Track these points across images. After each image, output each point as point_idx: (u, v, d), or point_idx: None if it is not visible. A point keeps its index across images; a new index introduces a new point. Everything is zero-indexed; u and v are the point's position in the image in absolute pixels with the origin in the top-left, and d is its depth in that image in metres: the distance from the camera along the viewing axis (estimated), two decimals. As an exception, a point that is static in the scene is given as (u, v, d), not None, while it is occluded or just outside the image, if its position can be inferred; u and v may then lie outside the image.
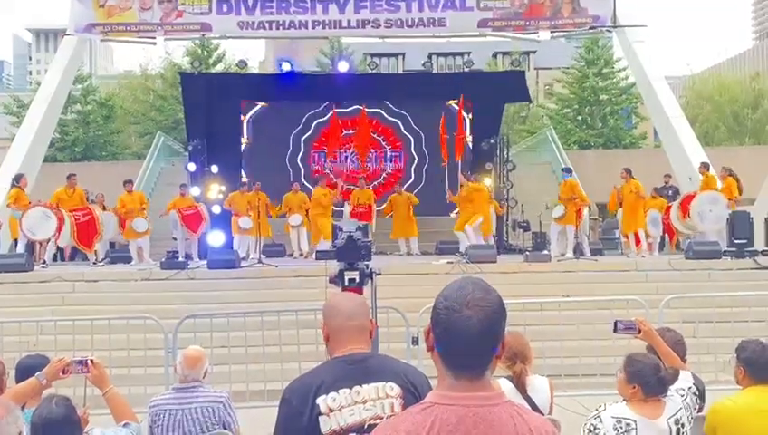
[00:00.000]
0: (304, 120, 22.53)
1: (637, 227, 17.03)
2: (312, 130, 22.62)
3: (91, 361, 4.05)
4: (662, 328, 4.93)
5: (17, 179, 16.13)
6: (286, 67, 19.65)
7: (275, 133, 22.26)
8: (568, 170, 18.27)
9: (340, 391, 2.87)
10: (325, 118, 22.20)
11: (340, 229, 5.10)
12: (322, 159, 22.56)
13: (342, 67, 20.92)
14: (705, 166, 17.01)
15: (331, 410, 2.84)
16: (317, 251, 13.52)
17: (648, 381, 3.97)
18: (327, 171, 21.58)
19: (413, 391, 2.87)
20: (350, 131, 21.66)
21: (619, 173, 17.42)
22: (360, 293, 4.94)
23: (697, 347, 8.25)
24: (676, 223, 17.00)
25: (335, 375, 2.92)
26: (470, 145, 21.60)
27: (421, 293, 10.68)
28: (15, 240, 16.64)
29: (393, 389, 2.90)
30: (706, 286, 12.75)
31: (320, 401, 2.85)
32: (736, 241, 14.99)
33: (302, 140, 22.64)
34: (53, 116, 20.91)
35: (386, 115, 22.71)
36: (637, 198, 16.94)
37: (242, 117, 22.05)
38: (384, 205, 20.04)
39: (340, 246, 4.94)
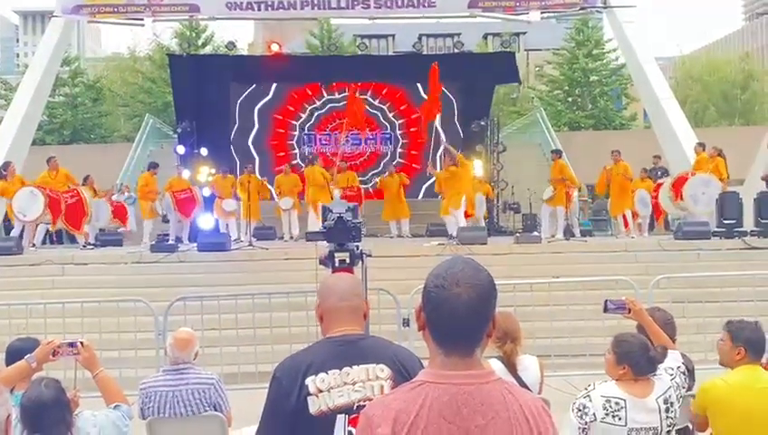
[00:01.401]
0: (294, 102, 22.46)
1: (624, 207, 17.07)
2: (304, 113, 22.55)
3: (81, 343, 4.04)
4: (652, 308, 4.95)
5: (4, 168, 15.92)
6: (275, 48, 19.56)
7: (266, 115, 22.18)
8: (557, 152, 18.25)
9: (329, 371, 2.86)
10: (318, 102, 22.16)
11: (330, 211, 5.09)
12: (315, 141, 22.53)
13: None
14: (701, 145, 17.01)
15: (320, 391, 2.84)
16: (307, 232, 13.48)
17: (637, 361, 3.98)
18: (324, 151, 21.48)
19: (404, 374, 2.86)
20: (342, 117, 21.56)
21: (610, 154, 17.43)
22: (351, 274, 4.94)
23: (687, 327, 8.30)
24: (667, 205, 17.03)
25: (325, 355, 2.91)
26: (459, 127, 21.63)
27: (412, 275, 10.69)
28: (5, 224, 16.58)
29: (383, 371, 2.89)
30: (696, 266, 12.81)
31: (309, 381, 2.84)
32: (726, 221, 15.05)
33: (294, 122, 22.57)
34: (41, 99, 20.78)
35: (380, 92, 22.66)
36: (624, 180, 16.95)
37: (231, 99, 21.94)
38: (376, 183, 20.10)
39: (330, 228, 4.93)
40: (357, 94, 19.78)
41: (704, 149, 16.84)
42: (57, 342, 4.02)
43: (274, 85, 22.07)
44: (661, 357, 4.03)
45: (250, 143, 21.95)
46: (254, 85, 22.09)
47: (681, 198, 16.03)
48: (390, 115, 22.83)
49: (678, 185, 16.22)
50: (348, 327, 2.99)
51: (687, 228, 14.89)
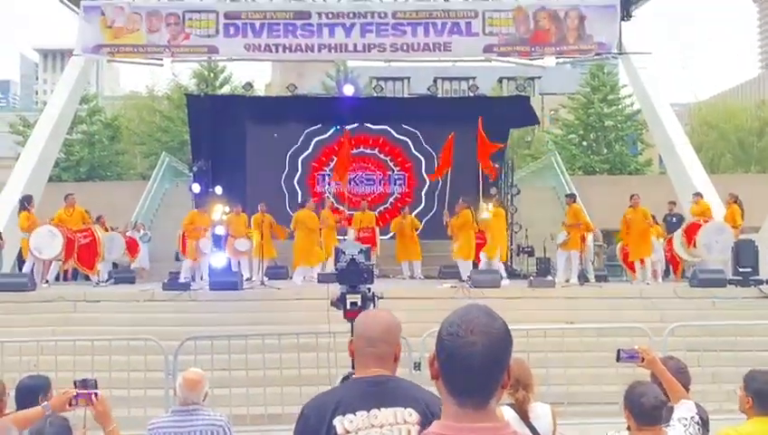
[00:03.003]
0: (308, 141, 22.55)
1: (643, 254, 16.78)
2: (315, 152, 22.63)
3: (95, 394, 4.01)
4: (665, 356, 4.90)
5: (27, 201, 15.99)
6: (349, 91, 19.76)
7: (280, 156, 22.29)
8: (572, 196, 18.20)
9: (357, 412, 2.85)
10: (328, 139, 22.26)
11: (343, 252, 5.06)
12: (324, 181, 22.58)
13: (348, 90, 20.98)
14: (698, 195, 17.31)
15: (347, 432, 2.82)
16: (319, 274, 13.36)
17: (631, 408, 4.00)
18: (327, 194, 21.44)
19: (431, 420, 2.84)
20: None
21: (625, 199, 17.32)
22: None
23: (702, 376, 8.19)
24: (680, 251, 16.90)
25: (354, 396, 2.90)
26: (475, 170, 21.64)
27: (424, 317, 10.65)
28: (19, 261, 16.66)
29: (411, 415, 2.87)
30: (711, 315, 12.69)
31: (336, 421, 2.83)
32: (741, 269, 14.94)
33: (304, 162, 22.62)
34: (59, 136, 20.96)
35: (393, 135, 22.71)
36: (644, 225, 16.71)
37: (247, 139, 22.03)
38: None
39: (342, 269, 4.90)
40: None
41: (702, 198, 17.09)
42: (73, 392, 4.01)
43: (290, 125, 22.18)
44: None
45: (263, 182, 21.95)
46: (271, 126, 22.19)
47: (694, 246, 15.93)
48: (398, 159, 22.91)
49: (691, 232, 16.14)
50: (376, 370, 2.98)
51: (703, 276, 14.79)
